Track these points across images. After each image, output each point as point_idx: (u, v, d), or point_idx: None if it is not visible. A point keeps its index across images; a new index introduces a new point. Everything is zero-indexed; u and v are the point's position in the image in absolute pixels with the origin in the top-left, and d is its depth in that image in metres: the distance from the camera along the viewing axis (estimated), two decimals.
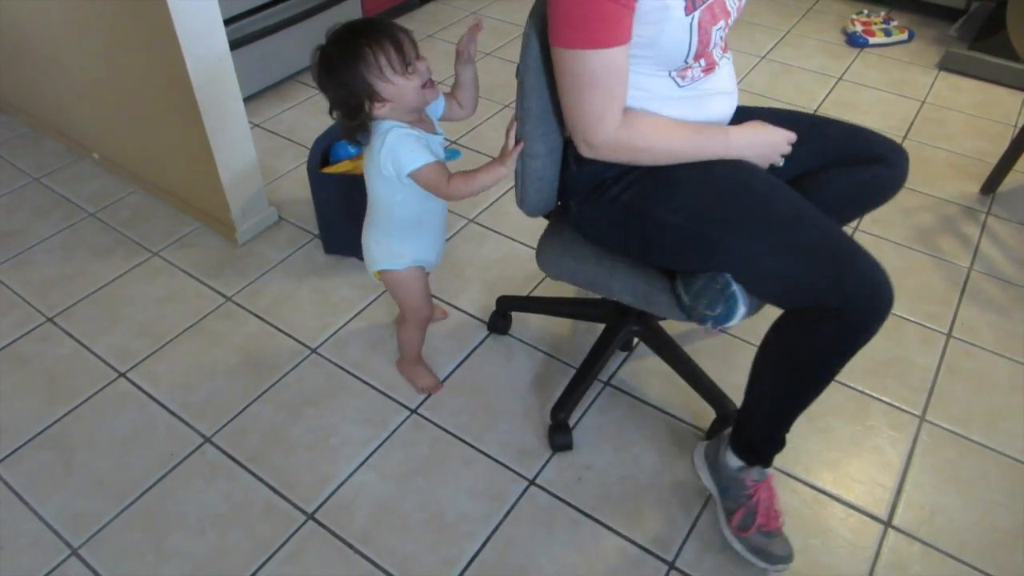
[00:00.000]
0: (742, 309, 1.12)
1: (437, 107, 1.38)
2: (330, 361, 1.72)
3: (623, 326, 1.59)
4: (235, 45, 2.27)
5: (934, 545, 1.39)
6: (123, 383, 1.66)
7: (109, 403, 1.62)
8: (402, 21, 3.07)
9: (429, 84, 1.24)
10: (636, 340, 1.74)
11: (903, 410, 1.63)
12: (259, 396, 1.64)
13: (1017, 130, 2.47)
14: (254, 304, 1.85)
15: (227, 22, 2.24)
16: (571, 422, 1.56)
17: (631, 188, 1.19)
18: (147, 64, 1.78)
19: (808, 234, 1.10)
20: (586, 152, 1.17)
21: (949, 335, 1.80)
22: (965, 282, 1.94)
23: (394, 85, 1.20)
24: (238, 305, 1.85)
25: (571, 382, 1.55)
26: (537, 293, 1.89)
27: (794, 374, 1.19)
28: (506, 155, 1.22)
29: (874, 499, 1.46)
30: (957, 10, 3.09)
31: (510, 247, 2.01)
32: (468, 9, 3.23)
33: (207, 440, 1.55)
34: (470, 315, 1.83)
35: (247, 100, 2.51)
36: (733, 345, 1.75)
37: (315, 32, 2.57)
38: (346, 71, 1.19)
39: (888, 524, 1.42)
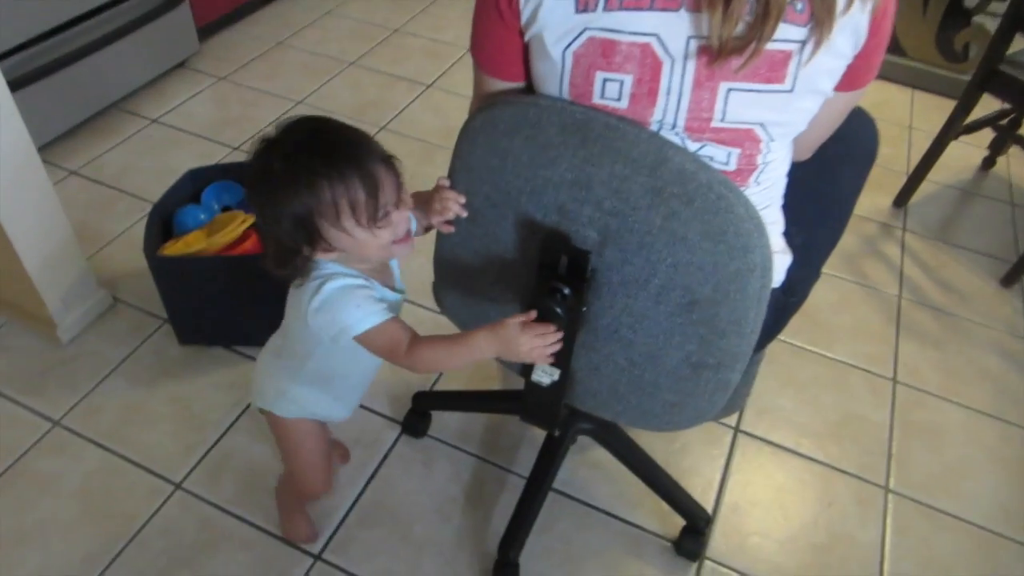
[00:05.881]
0: None
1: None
2: (201, 499, 1.35)
3: (571, 426, 1.34)
4: (30, 79, 1.79)
5: None
6: None
7: None
8: (245, 25, 2.63)
9: (404, 238, 0.90)
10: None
11: (866, 480, 1.49)
12: (112, 562, 1.26)
13: (909, 132, 2.43)
14: (92, 427, 1.44)
15: (7, 54, 1.77)
16: None
17: None
18: None
19: None
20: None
21: (895, 381, 1.68)
22: (898, 314, 1.83)
23: (351, 238, 0.86)
24: (70, 431, 1.43)
25: (519, 508, 1.28)
26: (448, 382, 1.60)
27: None
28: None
29: None
30: None
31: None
32: (322, 8, 2.81)
33: None
34: (374, 412, 1.52)
35: (56, 141, 2.02)
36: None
37: (138, 48, 2.11)
38: (287, 201, 0.83)
39: None
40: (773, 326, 1.07)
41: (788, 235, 1.01)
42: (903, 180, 2.16)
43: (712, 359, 0.91)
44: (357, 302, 0.88)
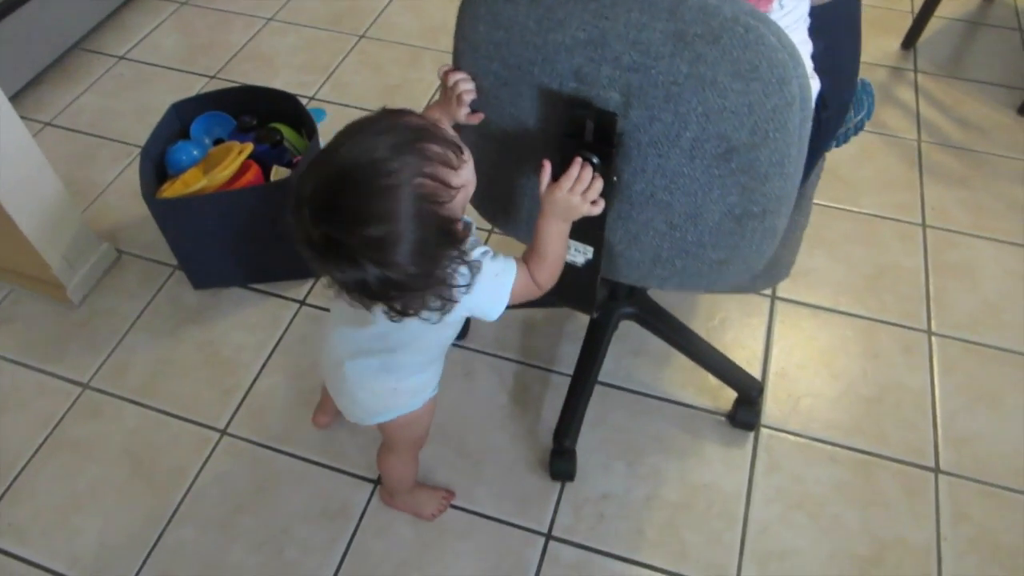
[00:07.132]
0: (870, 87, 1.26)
1: None
2: (249, 441, 1.33)
3: (613, 312, 1.30)
4: None
5: (989, 481, 1.27)
6: None
7: None
8: None
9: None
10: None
11: (908, 327, 1.48)
12: (172, 516, 1.25)
13: None
14: (124, 385, 1.41)
15: None
16: None
17: None
18: None
19: None
20: None
21: (924, 225, 1.65)
22: (919, 158, 1.78)
23: (466, 186, 0.79)
24: (102, 392, 1.40)
25: (569, 396, 1.28)
26: None
27: None
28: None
29: (915, 448, 1.32)
30: None
31: None
32: None
33: None
34: None
35: (22, 92, 1.90)
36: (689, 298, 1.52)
37: None
38: (406, 241, 0.72)
39: (937, 470, 1.29)
40: (812, 154, 1.01)
41: (815, 56, 0.93)
42: (909, 20, 2.06)
43: (756, 207, 0.87)
44: (494, 271, 0.85)
